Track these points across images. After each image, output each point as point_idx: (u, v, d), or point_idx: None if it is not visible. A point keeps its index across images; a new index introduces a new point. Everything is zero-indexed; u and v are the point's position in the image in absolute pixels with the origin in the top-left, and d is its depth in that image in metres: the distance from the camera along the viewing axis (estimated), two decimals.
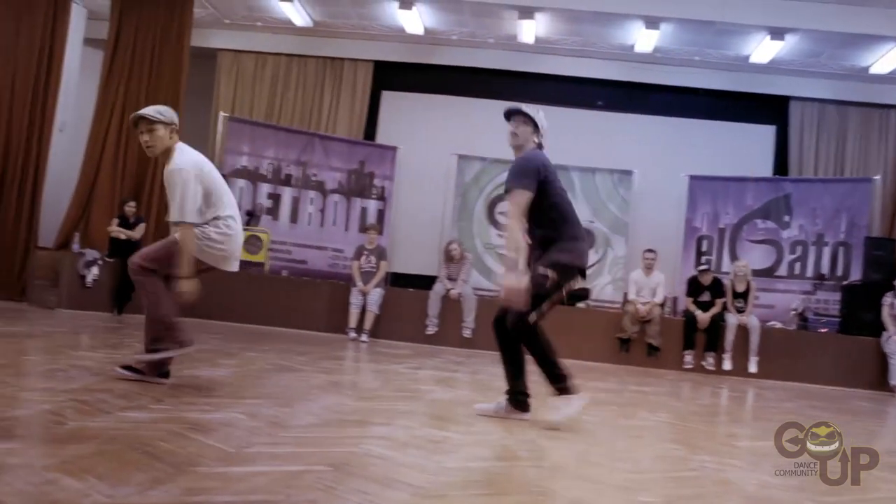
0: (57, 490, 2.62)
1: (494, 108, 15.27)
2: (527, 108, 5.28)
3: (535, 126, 5.30)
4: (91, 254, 11.70)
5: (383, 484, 3.12)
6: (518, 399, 5.17)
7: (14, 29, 12.99)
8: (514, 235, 4.95)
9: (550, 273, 4.98)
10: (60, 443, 3.26)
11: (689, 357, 11.60)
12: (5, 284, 12.42)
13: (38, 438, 3.34)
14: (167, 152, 5.20)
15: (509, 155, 14.45)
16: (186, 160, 5.17)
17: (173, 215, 5.11)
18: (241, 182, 13.93)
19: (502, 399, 5.19)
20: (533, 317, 4.95)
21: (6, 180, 12.77)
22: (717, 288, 11.91)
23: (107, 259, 11.65)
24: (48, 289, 11.56)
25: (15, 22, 13.00)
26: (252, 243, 12.76)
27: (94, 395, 4.49)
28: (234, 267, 5.45)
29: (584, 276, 5.18)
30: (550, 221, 5.11)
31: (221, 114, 14.60)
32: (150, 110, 5.19)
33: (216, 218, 5.24)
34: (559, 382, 5.06)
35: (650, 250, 12.43)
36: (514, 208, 4.96)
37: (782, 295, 13.36)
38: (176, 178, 5.09)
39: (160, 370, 5.16)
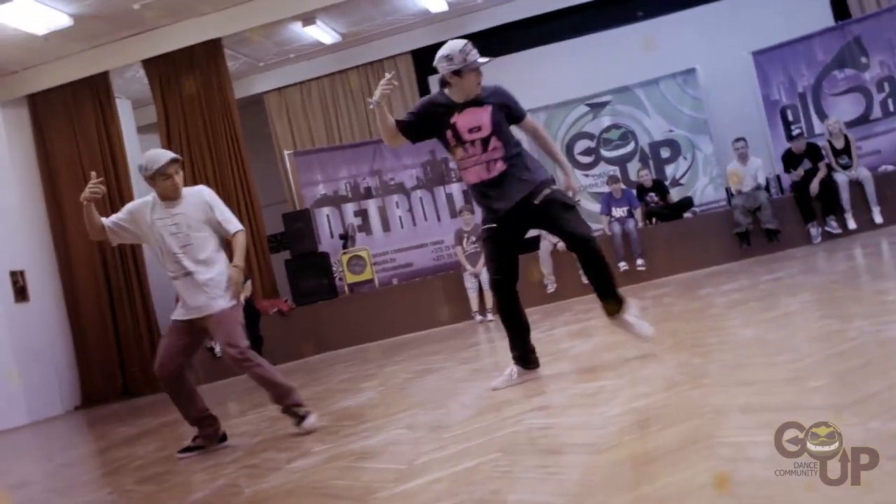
0: None
1: (540, 56, 15.26)
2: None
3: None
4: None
5: (557, 452, 3.13)
6: (529, 358, 5.06)
7: (71, 136, 13.42)
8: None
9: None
10: None
11: (813, 230, 11.34)
12: (144, 380, 12.83)
13: None
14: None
15: (570, 95, 14.35)
16: None
17: (231, 227, 5.16)
18: (326, 209, 14.09)
19: (511, 367, 5.04)
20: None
21: (112, 284, 13.21)
22: (813, 153, 11.59)
23: None
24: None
25: (69, 129, 13.42)
26: (355, 263, 12.92)
27: (259, 456, 4.60)
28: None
29: None
30: None
31: (285, 152, 14.78)
32: (172, 154, 5.19)
33: None
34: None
35: (739, 139, 12.18)
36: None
37: (884, 137, 12.91)
38: (208, 195, 5.21)
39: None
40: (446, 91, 5.04)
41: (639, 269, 11.72)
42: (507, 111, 5.01)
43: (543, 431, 3.54)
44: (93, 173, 5.26)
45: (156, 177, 5.07)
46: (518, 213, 4.92)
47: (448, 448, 3.61)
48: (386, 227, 14.35)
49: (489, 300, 11.48)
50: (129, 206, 5.38)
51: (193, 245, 5.11)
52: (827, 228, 11.30)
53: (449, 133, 4.99)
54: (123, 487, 4.66)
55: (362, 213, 14.31)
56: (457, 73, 4.90)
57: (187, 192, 5.20)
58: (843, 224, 11.23)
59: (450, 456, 3.45)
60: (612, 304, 4.97)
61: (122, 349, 13.14)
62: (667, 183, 13.51)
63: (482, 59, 4.93)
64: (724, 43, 14.21)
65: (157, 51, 13.24)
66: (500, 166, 4.90)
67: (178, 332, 5.17)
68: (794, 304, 6.06)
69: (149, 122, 14.66)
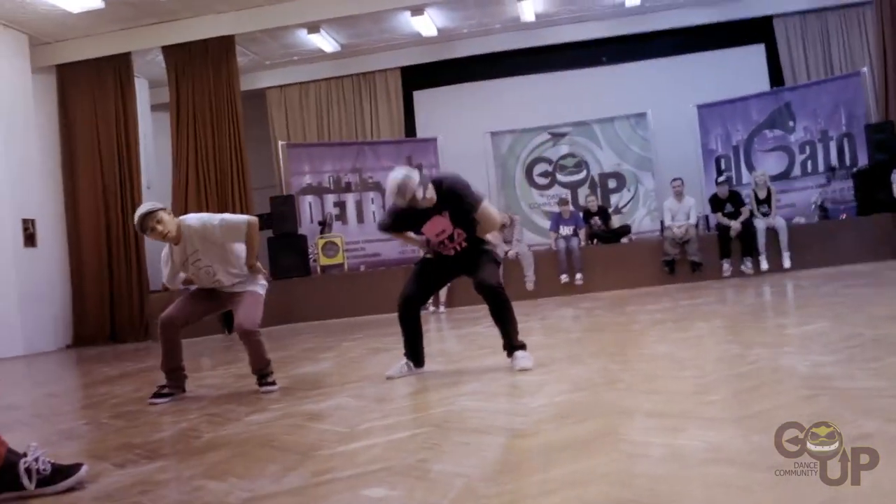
0: (205, 494, 2.68)
1: (513, 85, 15.35)
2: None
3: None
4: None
5: (482, 432, 3.13)
6: (420, 358, 5.08)
7: (90, 105, 13.34)
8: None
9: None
10: (201, 453, 3.32)
11: (726, 265, 11.46)
12: (130, 329, 12.80)
13: (182, 453, 3.40)
14: (178, 229, 4.96)
15: (535, 123, 14.42)
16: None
17: (252, 260, 5.17)
18: (309, 198, 14.05)
19: (404, 361, 5.04)
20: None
21: (112, 240, 13.14)
22: (735, 199, 11.70)
23: None
24: None
25: (90, 99, 13.35)
26: (329, 248, 12.90)
27: (221, 406, 4.57)
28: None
29: None
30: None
31: (280, 142, 14.71)
32: (144, 208, 4.93)
33: None
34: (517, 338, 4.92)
35: (677, 178, 12.27)
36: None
37: (801, 192, 13.11)
38: (210, 230, 4.98)
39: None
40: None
41: (577, 282, 11.77)
42: (461, 206, 4.80)
43: (473, 413, 3.54)
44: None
45: (146, 233, 4.95)
46: (454, 257, 4.98)
47: (388, 418, 3.61)
48: (360, 219, 14.32)
49: (443, 294, 11.48)
50: (163, 259, 5.22)
51: (220, 268, 5.11)
52: (742, 267, 11.40)
53: (421, 233, 5.02)
54: (98, 420, 4.61)
55: (341, 205, 14.28)
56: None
57: (190, 230, 4.98)
58: (756, 265, 11.34)
59: (388, 425, 3.45)
60: (509, 347, 4.93)
61: (114, 300, 13.05)
62: (610, 210, 13.61)
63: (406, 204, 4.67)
64: (674, 93, 14.38)
65: (177, 39, 13.18)
66: (463, 243, 4.93)
67: (199, 298, 5.26)
68: (705, 328, 6.11)
69: (162, 102, 14.54)
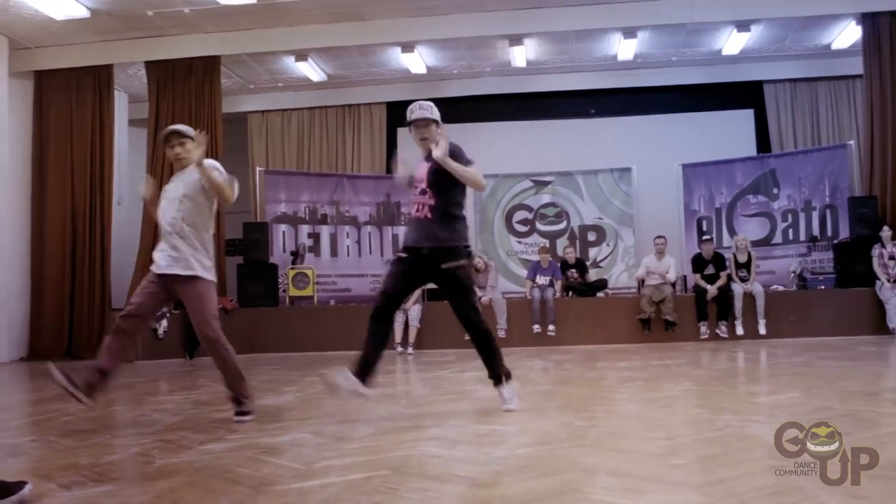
0: None
1: (499, 130, 15.43)
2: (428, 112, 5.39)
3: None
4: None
5: (441, 480, 3.12)
6: (368, 377, 5.20)
7: (67, 114, 13.29)
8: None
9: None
10: (151, 480, 3.29)
11: (703, 327, 11.52)
12: (88, 346, 12.58)
13: (132, 478, 3.37)
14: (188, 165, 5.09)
15: (518, 169, 14.47)
16: None
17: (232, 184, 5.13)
18: (283, 226, 14.02)
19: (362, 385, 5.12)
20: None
21: (77, 253, 13.01)
22: (718, 261, 11.83)
23: (173, 311, 11.75)
24: None
25: (67, 108, 13.30)
26: (300, 279, 12.86)
27: (176, 433, 4.53)
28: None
29: None
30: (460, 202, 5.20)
31: (257, 168, 14.72)
32: (181, 127, 5.20)
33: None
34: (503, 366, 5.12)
35: (660, 236, 12.35)
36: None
37: (780, 260, 13.28)
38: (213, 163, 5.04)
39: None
40: None
41: (549, 333, 11.78)
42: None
43: (433, 459, 3.53)
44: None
45: (164, 148, 5.19)
46: (423, 260, 5.00)
47: (346, 458, 3.60)
48: (334, 252, 14.31)
49: (412, 336, 11.45)
50: None
51: (185, 210, 5.07)
52: (717, 331, 11.48)
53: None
54: (47, 437, 4.55)
55: (315, 236, 14.27)
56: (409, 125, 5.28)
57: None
58: (732, 329, 11.43)
59: (346, 465, 3.44)
60: (493, 378, 5.09)
61: (74, 314, 12.89)
62: (588, 263, 13.66)
63: (409, 120, 5.31)
64: (660, 151, 14.54)
65: (161, 56, 13.21)
66: (425, 212, 5.02)
67: (150, 291, 5.05)
68: (675, 390, 6.13)
69: (140, 118, 14.50)
